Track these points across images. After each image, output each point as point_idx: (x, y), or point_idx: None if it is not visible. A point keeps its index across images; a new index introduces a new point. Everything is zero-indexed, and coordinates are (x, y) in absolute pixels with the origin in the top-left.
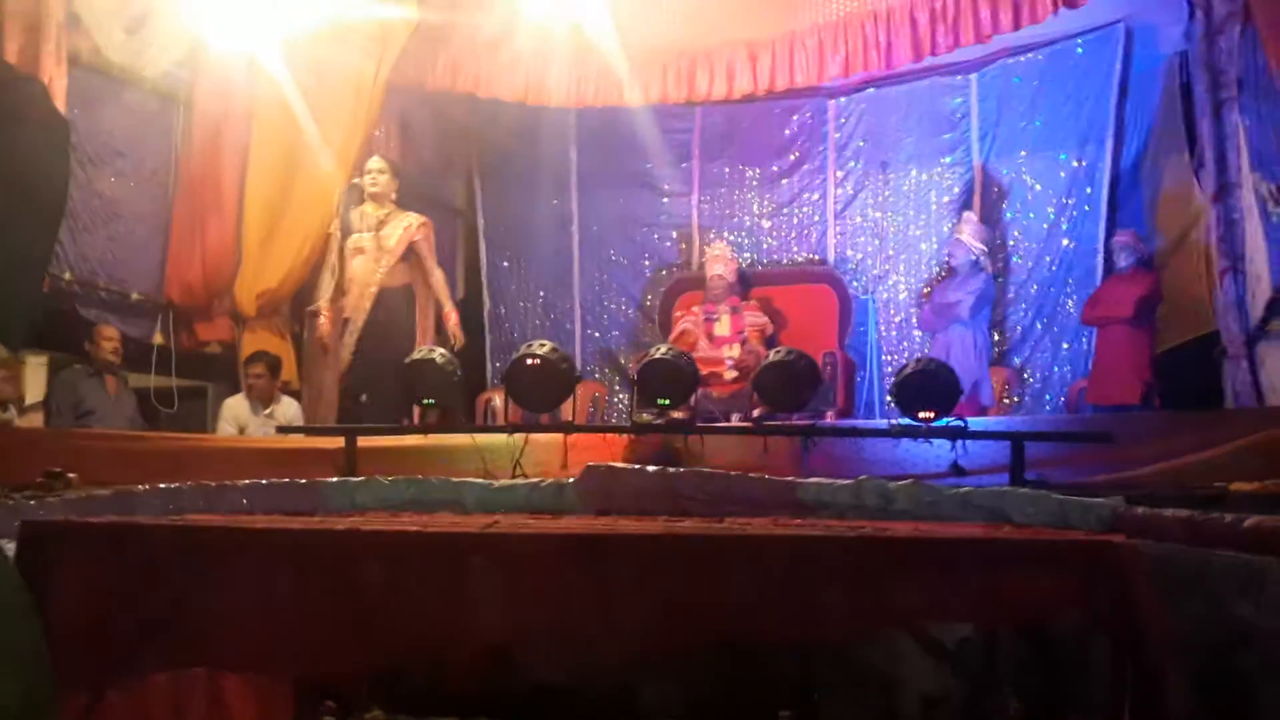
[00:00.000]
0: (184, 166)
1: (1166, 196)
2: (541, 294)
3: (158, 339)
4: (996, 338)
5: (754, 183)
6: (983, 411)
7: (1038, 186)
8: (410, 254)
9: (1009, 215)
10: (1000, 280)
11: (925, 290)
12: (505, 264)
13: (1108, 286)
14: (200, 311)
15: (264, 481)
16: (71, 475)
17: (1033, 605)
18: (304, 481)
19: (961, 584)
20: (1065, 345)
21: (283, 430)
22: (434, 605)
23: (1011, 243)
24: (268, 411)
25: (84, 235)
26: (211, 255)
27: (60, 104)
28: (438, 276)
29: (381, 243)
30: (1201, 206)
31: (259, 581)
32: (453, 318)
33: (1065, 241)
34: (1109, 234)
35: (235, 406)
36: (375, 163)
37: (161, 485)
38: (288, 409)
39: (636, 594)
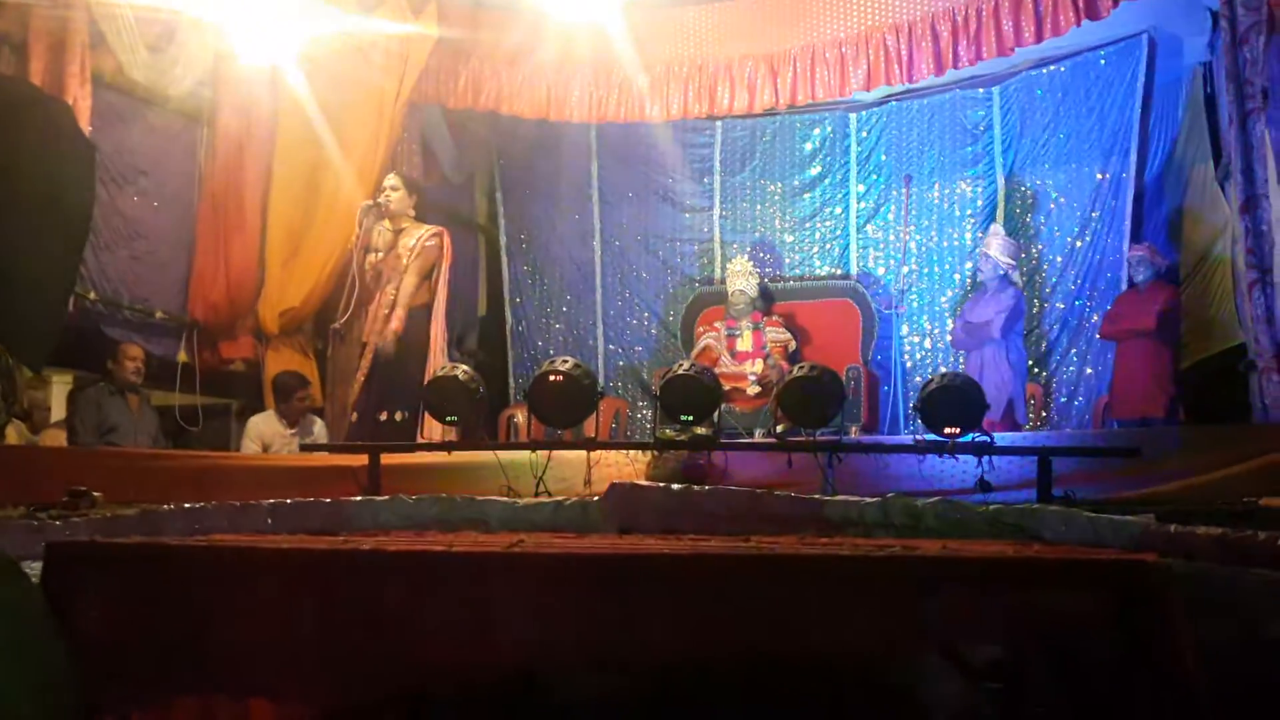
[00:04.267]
0: (207, 185)
1: (1192, 209)
2: (564, 309)
3: (181, 357)
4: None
5: (776, 197)
6: (1018, 430)
7: (1062, 199)
8: (425, 269)
9: (1033, 229)
10: (1025, 294)
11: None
12: (528, 280)
13: (1126, 301)
14: (224, 330)
15: (288, 501)
16: (96, 494)
17: (1064, 625)
18: (329, 501)
19: (992, 604)
20: (1091, 360)
21: (307, 448)
22: (459, 626)
23: (1036, 257)
24: (293, 431)
25: (107, 254)
26: (235, 273)
27: (84, 124)
28: (406, 285)
29: (396, 260)
30: (1228, 218)
31: (283, 603)
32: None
33: (1091, 255)
34: None
35: (260, 424)
36: (390, 179)
37: (186, 505)
38: (311, 426)
39: (662, 614)
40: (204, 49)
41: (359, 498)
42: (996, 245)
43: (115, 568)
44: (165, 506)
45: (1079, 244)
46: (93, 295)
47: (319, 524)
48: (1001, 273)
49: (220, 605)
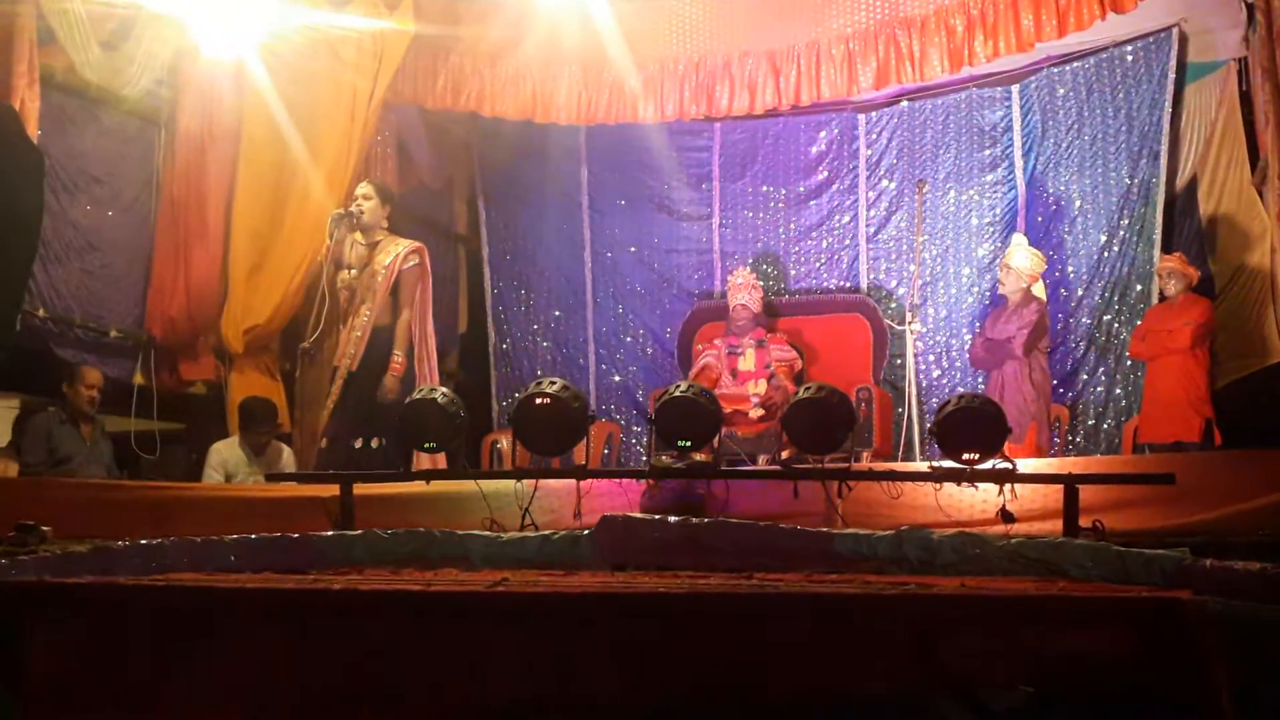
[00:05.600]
0: (166, 192)
1: (1227, 216)
2: (552, 326)
3: (138, 379)
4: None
5: (779, 205)
6: (1042, 455)
7: (1087, 207)
8: (404, 292)
9: (1056, 238)
10: (1049, 309)
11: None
12: (512, 294)
13: (1156, 316)
14: (184, 349)
15: (253, 536)
16: (45, 529)
17: (1091, 669)
18: (297, 535)
19: (1013, 646)
20: (1120, 379)
21: (273, 478)
22: (439, 671)
23: (1060, 268)
24: (259, 459)
25: (58, 268)
26: (196, 288)
27: (32, 128)
28: (404, 317)
29: (370, 279)
30: (1266, 226)
31: (249, 646)
32: (398, 370)
33: (1119, 266)
34: None
35: (223, 452)
36: (362, 188)
37: (143, 540)
38: (278, 455)
39: (658, 657)
40: (162, 46)
41: (329, 532)
42: (1019, 257)
43: (66, 610)
44: (120, 542)
45: (1106, 254)
46: (42, 312)
47: (286, 561)
48: (1024, 286)
49: (180, 650)
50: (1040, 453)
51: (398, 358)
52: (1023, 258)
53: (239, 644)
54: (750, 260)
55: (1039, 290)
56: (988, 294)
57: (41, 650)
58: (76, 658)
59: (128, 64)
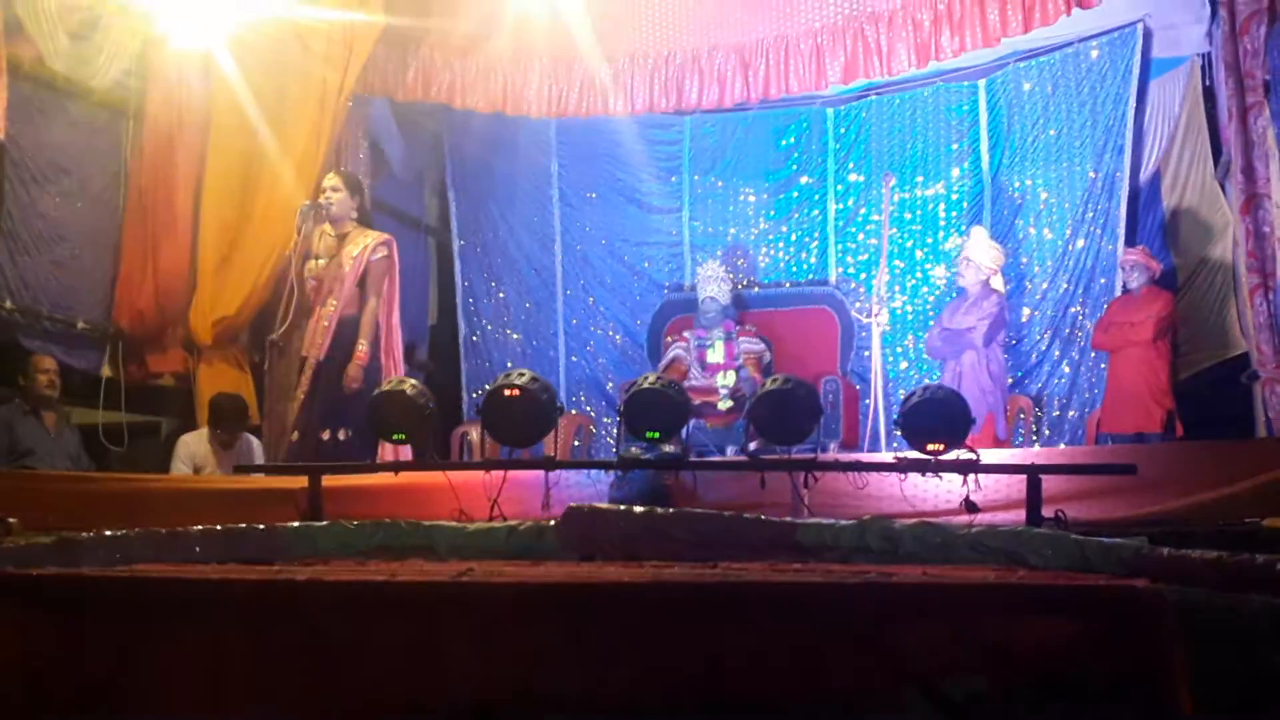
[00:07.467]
0: (134, 184)
1: (1190, 209)
2: (522, 318)
3: (106, 371)
4: (1010, 363)
5: (748, 198)
6: (999, 445)
7: (1052, 200)
8: (372, 284)
9: (1021, 231)
10: (1013, 301)
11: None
12: (482, 286)
13: (1119, 308)
14: (152, 341)
15: (218, 527)
16: (12, 520)
17: (1051, 656)
18: (262, 527)
19: (974, 634)
20: (1084, 371)
21: (241, 469)
22: (404, 662)
23: (1025, 261)
24: (227, 452)
25: (26, 259)
26: (164, 280)
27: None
28: (370, 306)
29: (338, 269)
30: (1228, 219)
31: (213, 638)
32: (362, 359)
33: (1083, 259)
34: None
35: (192, 444)
36: (330, 180)
37: (108, 532)
38: (247, 447)
39: (623, 647)
40: (131, 36)
41: (295, 523)
42: (979, 249)
43: (28, 601)
44: (84, 534)
45: (1071, 248)
46: (9, 304)
47: (252, 552)
48: (983, 279)
49: (144, 642)
50: (997, 443)
51: (362, 347)
52: (982, 250)
53: (202, 635)
54: (720, 253)
55: (998, 283)
56: (954, 288)
57: (3, 641)
58: (38, 650)
59: (96, 54)
